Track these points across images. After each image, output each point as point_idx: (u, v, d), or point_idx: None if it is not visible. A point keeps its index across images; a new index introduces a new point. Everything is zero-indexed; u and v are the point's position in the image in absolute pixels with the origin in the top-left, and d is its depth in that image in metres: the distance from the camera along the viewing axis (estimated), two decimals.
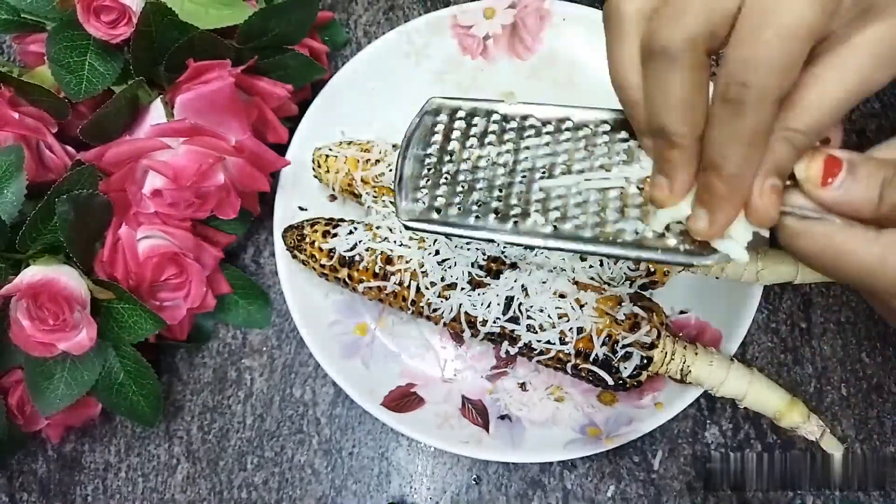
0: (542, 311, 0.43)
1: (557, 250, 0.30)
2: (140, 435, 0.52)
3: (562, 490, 0.48)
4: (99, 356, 0.45)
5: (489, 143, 0.32)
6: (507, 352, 0.45)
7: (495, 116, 0.33)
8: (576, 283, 0.44)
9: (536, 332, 0.42)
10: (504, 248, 0.45)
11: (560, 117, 0.33)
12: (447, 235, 0.32)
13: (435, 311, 0.45)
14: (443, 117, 0.34)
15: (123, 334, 0.45)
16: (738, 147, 0.25)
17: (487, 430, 0.47)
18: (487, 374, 0.49)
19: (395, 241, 0.45)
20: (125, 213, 0.46)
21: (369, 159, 0.49)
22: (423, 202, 0.31)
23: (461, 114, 0.34)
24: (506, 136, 0.32)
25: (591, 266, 0.45)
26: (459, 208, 0.31)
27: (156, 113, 0.46)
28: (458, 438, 0.46)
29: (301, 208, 0.53)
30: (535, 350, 0.43)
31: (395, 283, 0.45)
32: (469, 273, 0.44)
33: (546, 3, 0.54)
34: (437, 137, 0.33)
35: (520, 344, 0.43)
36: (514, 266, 0.44)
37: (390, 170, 0.48)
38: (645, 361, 0.41)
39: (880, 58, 0.25)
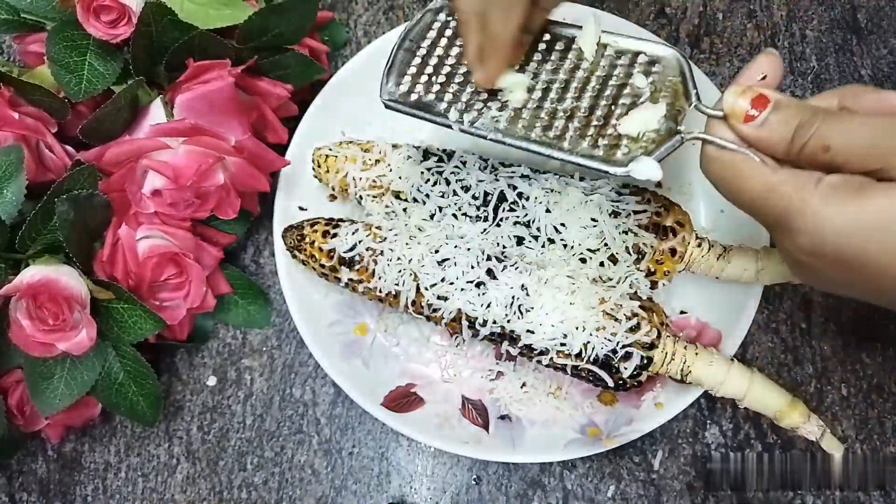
0: (542, 310, 0.43)
1: (499, 142, 0.32)
2: (140, 435, 0.52)
3: (562, 490, 0.48)
4: (99, 356, 0.45)
5: None
6: (508, 352, 0.45)
7: None
8: (576, 283, 0.44)
9: (536, 332, 0.42)
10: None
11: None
12: (415, 117, 0.35)
13: (435, 311, 0.45)
14: (442, 16, 0.35)
15: (123, 334, 0.45)
16: (497, 11, 0.31)
17: (487, 430, 0.47)
18: (487, 374, 0.49)
19: (395, 242, 0.45)
20: (125, 213, 0.46)
21: (369, 159, 0.49)
22: (405, 87, 0.34)
23: None
24: None
25: (593, 266, 0.45)
26: (435, 97, 0.33)
27: (156, 113, 0.46)
28: (458, 438, 0.46)
29: (301, 208, 0.53)
30: (536, 350, 0.43)
31: (394, 284, 0.45)
32: (469, 273, 0.44)
33: None
34: (433, 34, 0.35)
35: (520, 344, 0.43)
36: (514, 266, 0.44)
37: (390, 170, 0.48)
38: (645, 362, 0.41)
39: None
